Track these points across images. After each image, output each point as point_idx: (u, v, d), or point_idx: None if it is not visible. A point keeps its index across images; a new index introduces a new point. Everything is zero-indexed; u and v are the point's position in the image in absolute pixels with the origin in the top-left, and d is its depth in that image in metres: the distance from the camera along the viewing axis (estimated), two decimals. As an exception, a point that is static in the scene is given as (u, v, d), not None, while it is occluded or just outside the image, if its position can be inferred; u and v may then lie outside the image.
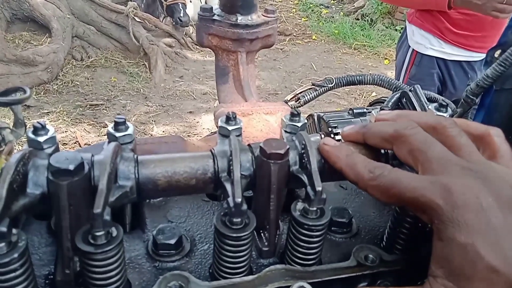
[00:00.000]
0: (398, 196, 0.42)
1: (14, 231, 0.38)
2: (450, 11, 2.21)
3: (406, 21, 2.52)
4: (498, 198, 0.39)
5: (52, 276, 0.46)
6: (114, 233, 0.40)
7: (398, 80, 2.58)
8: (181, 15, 5.42)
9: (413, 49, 2.45)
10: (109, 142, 0.48)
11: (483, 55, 2.32)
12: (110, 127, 0.49)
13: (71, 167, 0.40)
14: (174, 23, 5.56)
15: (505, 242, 0.37)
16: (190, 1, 5.69)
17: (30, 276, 0.39)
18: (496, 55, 0.96)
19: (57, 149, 0.47)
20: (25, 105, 4.22)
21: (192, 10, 5.65)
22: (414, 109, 0.96)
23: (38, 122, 0.46)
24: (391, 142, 0.47)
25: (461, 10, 2.17)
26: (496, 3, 1.94)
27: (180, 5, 5.44)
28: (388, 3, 6.22)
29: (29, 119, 4.03)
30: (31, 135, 0.46)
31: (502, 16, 1.98)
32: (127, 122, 0.50)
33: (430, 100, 1.13)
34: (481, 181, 0.40)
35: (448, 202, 0.39)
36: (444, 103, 0.64)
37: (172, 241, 0.50)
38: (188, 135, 4.12)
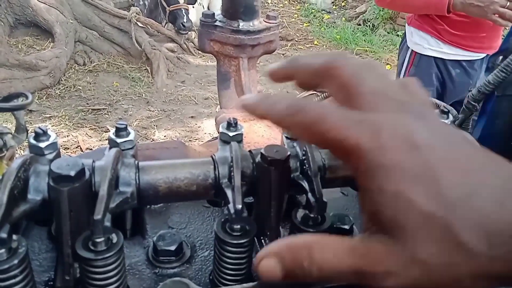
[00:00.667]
0: (320, 136, 0.34)
1: (14, 237, 0.38)
2: (452, 15, 2.22)
3: (406, 24, 2.54)
4: (438, 134, 0.33)
5: (52, 283, 0.46)
6: (115, 240, 0.40)
7: None
8: (184, 20, 5.44)
9: (412, 50, 2.48)
10: (110, 148, 0.48)
11: (483, 55, 2.33)
12: (111, 133, 0.49)
13: (72, 173, 0.40)
14: (177, 28, 5.58)
15: (443, 180, 0.31)
16: (193, 7, 5.71)
17: (30, 283, 0.39)
18: (497, 62, 0.97)
19: (58, 155, 0.47)
20: (28, 109, 4.23)
21: (194, 16, 5.67)
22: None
23: (39, 128, 0.46)
24: (321, 77, 0.39)
25: (459, 12, 2.18)
26: (498, 7, 1.94)
27: (183, 11, 5.46)
28: (389, 9, 6.23)
29: (31, 123, 4.04)
30: (33, 141, 0.46)
31: (501, 23, 1.99)
32: (128, 128, 0.50)
33: (432, 106, 1.13)
34: (420, 118, 0.34)
35: (375, 143, 0.32)
36: (445, 110, 0.64)
37: (173, 247, 0.50)
38: (189, 140, 4.12)
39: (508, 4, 1.93)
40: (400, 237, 0.31)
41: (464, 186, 0.31)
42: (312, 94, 1.32)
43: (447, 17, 2.25)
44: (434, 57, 2.40)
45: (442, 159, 0.32)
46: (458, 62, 2.38)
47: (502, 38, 2.11)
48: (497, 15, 1.97)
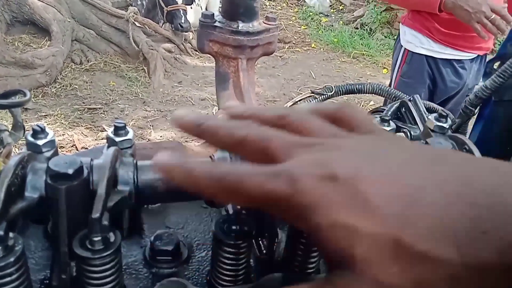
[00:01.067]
0: (247, 197, 0.34)
1: (11, 234, 0.37)
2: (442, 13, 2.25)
3: (400, 24, 2.58)
4: (358, 155, 0.33)
5: (48, 281, 0.46)
6: (112, 239, 0.40)
7: (391, 79, 2.63)
8: (182, 21, 5.44)
9: (404, 48, 2.54)
10: (108, 146, 0.48)
11: (474, 55, 2.38)
12: (110, 132, 0.49)
13: (70, 171, 0.40)
14: (174, 29, 5.58)
15: (375, 198, 0.29)
16: (191, 8, 5.71)
17: (25, 281, 0.39)
18: (495, 67, 0.97)
19: (56, 153, 0.46)
20: (23, 107, 4.21)
21: (192, 17, 5.67)
22: (414, 119, 0.96)
23: (37, 125, 0.46)
24: (233, 149, 0.40)
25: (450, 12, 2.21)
26: (483, 17, 1.96)
27: (181, 11, 5.46)
28: (387, 4, 6.25)
29: (26, 121, 4.02)
30: (30, 138, 0.45)
31: (480, 32, 2.01)
32: (127, 127, 0.50)
33: (430, 110, 1.13)
34: (333, 148, 0.34)
35: (294, 188, 0.31)
36: (444, 113, 0.64)
37: (170, 248, 0.49)
38: (185, 141, 4.11)
39: (492, 17, 1.95)
40: (355, 267, 0.29)
41: (401, 197, 0.29)
42: (309, 96, 1.32)
43: (438, 16, 2.29)
44: (426, 56, 2.44)
45: (367, 179, 0.30)
46: (449, 61, 2.42)
47: (499, 43, 2.12)
48: (480, 25, 1.99)
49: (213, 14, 0.96)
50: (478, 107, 1.02)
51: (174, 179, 0.36)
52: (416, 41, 2.45)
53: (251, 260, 0.50)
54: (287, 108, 0.40)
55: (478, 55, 2.41)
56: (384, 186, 0.30)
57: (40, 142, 0.45)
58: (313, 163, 0.32)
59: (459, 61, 2.41)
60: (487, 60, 2.31)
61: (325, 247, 0.31)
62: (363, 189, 0.30)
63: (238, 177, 0.34)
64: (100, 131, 4.10)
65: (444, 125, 0.62)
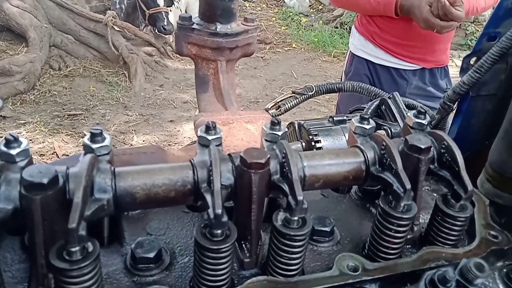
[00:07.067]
0: None
1: (-16, 248, 0.36)
2: (383, 19, 2.29)
3: (353, 26, 2.63)
4: None
5: (25, 294, 0.45)
6: (90, 248, 0.39)
7: (341, 80, 2.64)
8: (165, 23, 5.40)
9: (350, 50, 2.57)
10: (85, 154, 0.47)
11: (413, 65, 2.37)
12: (86, 139, 0.48)
13: (45, 180, 0.39)
14: (157, 31, 5.54)
15: None
16: (170, 10, 5.68)
17: (1, 296, 0.38)
18: (471, 62, 0.98)
19: (30, 162, 0.45)
20: (1, 116, 4.13)
21: (173, 19, 5.64)
22: (394, 116, 0.97)
23: (10, 134, 0.45)
24: None
25: (391, 18, 2.22)
26: (431, 24, 1.96)
27: (163, 14, 5.42)
28: (343, 8, 6.28)
29: (4, 130, 3.94)
30: (3, 148, 0.44)
31: (441, 32, 2.01)
32: (104, 133, 0.49)
33: (409, 107, 1.14)
34: None
35: None
36: (422, 110, 0.65)
37: (151, 255, 0.49)
38: (168, 144, 4.08)
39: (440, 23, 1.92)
40: None
41: None
42: (291, 96, 1.32)
43: (381, 21, 2.32)
44: (366, 60, 2.46)
45: None
46: (387, 68, 2.42)
47: (461, 53, 2.12)
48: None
49: (191, 16, 0.95)
50: (457, 103, 1.03)
51: None
52: (358, 43, 2.48)
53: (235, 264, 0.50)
54: None
55: (424, 69, 2.37)
56: None
57: (14, 152, 0.44)
58: None
59: (397, 70, 2.40)
60: (464, 57, 2.28)
61: None
62: None
63: None
64: (81, 137, 4.04)
65: (423, 121, 0.62)
